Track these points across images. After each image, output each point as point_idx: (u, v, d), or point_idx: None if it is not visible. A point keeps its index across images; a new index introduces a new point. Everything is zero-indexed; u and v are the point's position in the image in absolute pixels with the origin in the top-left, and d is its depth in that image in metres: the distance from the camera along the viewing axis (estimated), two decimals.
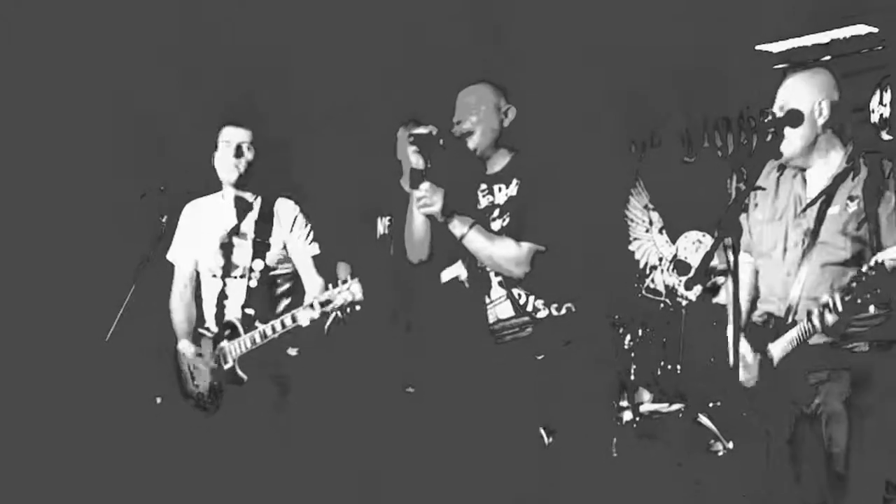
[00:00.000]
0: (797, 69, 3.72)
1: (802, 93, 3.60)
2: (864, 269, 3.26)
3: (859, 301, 3.25)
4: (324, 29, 6.06)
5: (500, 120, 3.84)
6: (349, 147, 6.86)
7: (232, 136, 4.35)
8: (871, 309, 3.27)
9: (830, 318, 3.35)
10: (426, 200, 3.74)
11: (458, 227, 3.75)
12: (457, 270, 4.55)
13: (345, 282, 3.99)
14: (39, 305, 5.66)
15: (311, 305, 4.06)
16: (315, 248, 4.42)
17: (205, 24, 5.83)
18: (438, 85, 4.03)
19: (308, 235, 4.42)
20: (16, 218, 5.65)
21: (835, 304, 3.32)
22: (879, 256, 3.27)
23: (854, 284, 3.27)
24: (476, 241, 3.76)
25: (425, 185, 3.73)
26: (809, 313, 3.43)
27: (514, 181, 3.82)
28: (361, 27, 6.05)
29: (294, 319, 4.11)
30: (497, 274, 3.83)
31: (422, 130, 3.72)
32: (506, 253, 3.74)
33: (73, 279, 5.72)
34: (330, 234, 4.46)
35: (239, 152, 4.34)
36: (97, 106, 5.80)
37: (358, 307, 3.99)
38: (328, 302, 4.02)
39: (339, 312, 4.02)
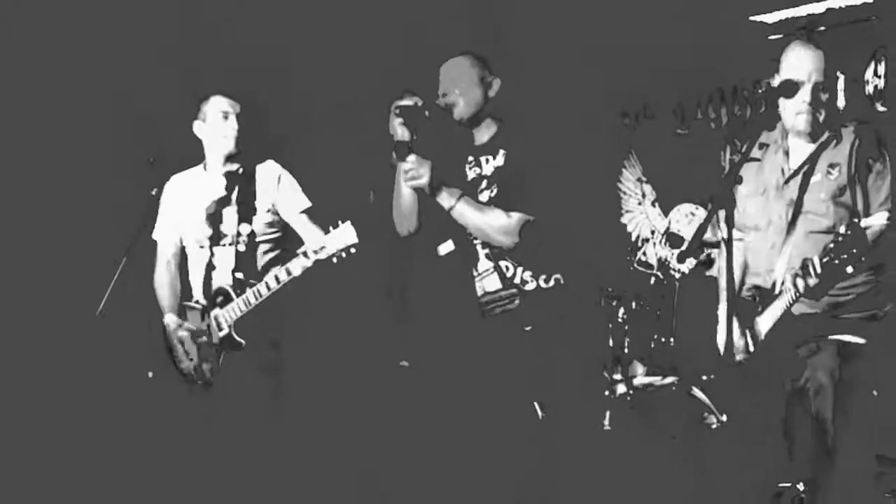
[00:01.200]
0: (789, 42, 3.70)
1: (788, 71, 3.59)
2: (842, 230, 3.26)
3: (837, 262, 3.25)
4: (324, 29, 6.04)
5: (484, 91, 3.82)
6: (349, 147, 6.83)
7: (229, 108, 4.30)
8: (849, 269, 3.26)
9: (811, 281, 3.35)
10: (413, 173, 3.70)
11: (446, 199, 3.72)
12: (452, 245, 4.52)
13: (336, 227, 3.93)
14: (32, 282, 5.65)
15: (305, 254, 3.98)
16: (306, 201, 4.33)
17: (205, 24, 5.82)
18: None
19: (296, 190, 4.34)
20: (14, 213, 5.63)
21: (814, 266, 3.32)
22: (862, 222, 3.28)
23: (832, 246, 3.27)
24: (465, 212, 3.73)
25: (412, 158, 3.70)
26: (792, 278, 3.43)
27: (501, 152, 3.79)
28: (361, 27, 6.03)
29: (288, 272, 4.04)
30: (485, 246, 3.81)
31: (407, 102, 3.70)
32: (495, 223, 3.71)
33: (65, 259, 5.71)
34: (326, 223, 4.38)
35: (237, 123, 4.29)
36: (97, 106, 5.77)
37: (353, 250, 3.93)
38: (322, 248, 3.95)
39: (334, 258, 3.95)
